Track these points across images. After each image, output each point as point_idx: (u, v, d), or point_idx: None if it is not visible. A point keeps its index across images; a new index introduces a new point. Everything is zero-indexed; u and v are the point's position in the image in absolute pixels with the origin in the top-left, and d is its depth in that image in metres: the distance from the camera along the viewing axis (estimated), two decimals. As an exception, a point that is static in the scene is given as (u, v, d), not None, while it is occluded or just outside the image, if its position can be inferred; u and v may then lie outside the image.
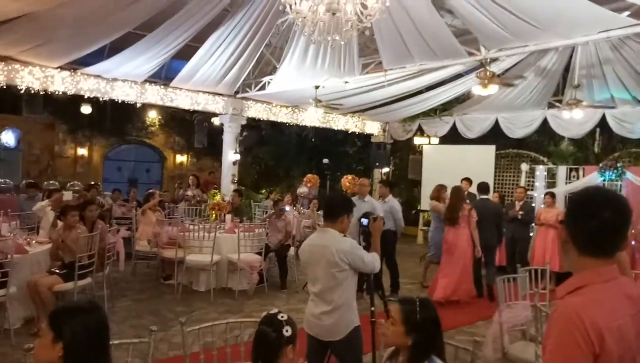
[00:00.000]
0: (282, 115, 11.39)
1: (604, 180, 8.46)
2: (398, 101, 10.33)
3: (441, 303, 5.96)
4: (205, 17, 6.58)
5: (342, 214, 2.86)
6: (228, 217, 7.33)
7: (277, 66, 8.41)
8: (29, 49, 7.21)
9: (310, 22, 4.32)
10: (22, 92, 8.18)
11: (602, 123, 8.80)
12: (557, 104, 9.21)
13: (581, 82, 7.66)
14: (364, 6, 4.14)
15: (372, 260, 2.81)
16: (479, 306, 6.36)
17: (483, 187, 7.12)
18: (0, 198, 8.04)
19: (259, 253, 6.52)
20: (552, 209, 7.31)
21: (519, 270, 3.85)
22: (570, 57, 7.58)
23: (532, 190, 9.55)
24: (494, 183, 10.47)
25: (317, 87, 8.56)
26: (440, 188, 7.67)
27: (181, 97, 9.75)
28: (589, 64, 7.49)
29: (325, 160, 12.36)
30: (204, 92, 9.92)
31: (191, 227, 6.67)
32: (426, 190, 10.10)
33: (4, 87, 7.74)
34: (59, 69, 8.16)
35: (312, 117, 11.58)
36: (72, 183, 11.42)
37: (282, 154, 14.04)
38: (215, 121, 13.12)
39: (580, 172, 8.95)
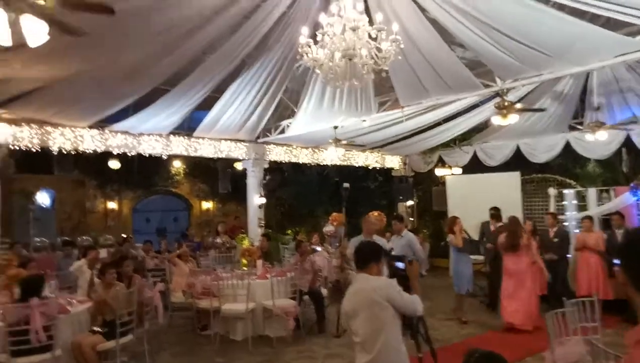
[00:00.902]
0: (303, 156, 11.59)
1: (638, 200, 8.28)
2: (416, 134, 10.42)
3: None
4: (226, 69, 6.86)
5: (371, 261, 2.88)
6: (259, 262, 7.37)
7: (295, 110, 8.65)
8: (59, 112, 7.58)
9: (327, 69, 4.49)
10: (55, 153, 8.55)
11: (628, 142, 8.68)
12: (578, 126, 9.16)
13: (600, 103, 7.63)
14: (379, 49, 4.28)
15: (413, 300, 2.80)
16: (526, 338, 6.16)
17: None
18: (38, 257, 8.25)
19: (293, 298, 6.51)
20: (592, 233, 7.14)
21: (566, 303, 3.74)
22: (586, 80, 7.60)
23: (562, 214, 9.37)
24: (523, 210, 10.33)
25: (335, 127, 8.72)
26: (453, 220, 7.72)
27: (205, 146, 10.05)
28: (606, 86, 7.49)
29: (346, 185, 12.36)
30: (226, 140, 10.21)
31: (224, 275, 6.72)
32: (453, 220, 10.01)
33: (39, 149, 8.13)
34: (88, 128, 8.53)
35: (332, 156, 11.77)
36: (104, 237, 11.73)
37: (305, 194, 14.16)
38: (238, 166, 13.40)
39: (612, 193, 8.78)
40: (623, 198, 8.50)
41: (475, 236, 9.02)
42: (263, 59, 6.67)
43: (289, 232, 13.88)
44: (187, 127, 9.77)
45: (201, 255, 9.51)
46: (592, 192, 9.14)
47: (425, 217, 13.27)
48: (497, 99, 6.95)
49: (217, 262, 9.01)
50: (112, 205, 13.76)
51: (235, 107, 8.30)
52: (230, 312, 6.36)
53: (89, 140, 8.57)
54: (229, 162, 12.97)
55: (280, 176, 13.80)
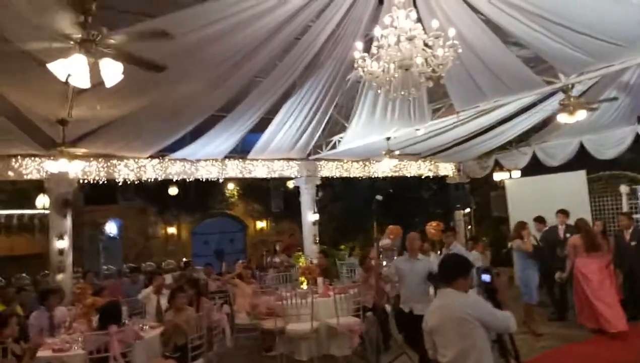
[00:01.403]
0: (354, 170, 11.54)
1: None
2: (470, 139, 10.11)
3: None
4: (278, 91, 6.95)
5: (458, 276, 2.73)
6: (319, 280, 7.30)
7: (346, 124, 8.61)
8: (125, 145, 7.95)
9: (384, 81, 4.41)
10: (119, 183, 8.95)
11: None
12: (649, 117, 8.56)
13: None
14: (435, 56, 4.17)
15: (505, 317, 2.62)
16: (610, 349, 5.71)
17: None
18: (107, 284, 8.59)
19: (357, 315, 6.37)
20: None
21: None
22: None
23: (636, 213, 8.73)
24: (591, 211, 9.72)
25: (388, 139, 8.60)
26: (521, 225, 7.44)
27: (258, 168, 10.21)
28: (680, 71, 6.96)
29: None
30: (279, 159, 10.33)
31: (287, 294, 6.70)
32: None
33: (105, 181, 8.55)
34: (149, 158, 8.89)
35: (384, 168, 11.61)
36: (166, 262, 12.10)
37: (355, 208, 14.04)
38: (290, 184, 13.54)
39: (694, 187, 8.10)
40: None
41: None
42: (314, 78, 6.70)
43: (342, 247, 13.78)
44: (240, 150, 9.97)
45: (261, 275, 9.57)
46: (670, 188, 8.48)
47: (484, 224, 12.78)
48: (560, 96, 6.62)
49: (277, 282, 9.03)
50: (171, 230, 14.24)
51: (288, 127, 8.39)
52: (295, 332, 6.30)
53: (151, 170, 8.92)
54: (281, 181, 13.14)
55: (331, 191, 13.79)
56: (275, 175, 10.53)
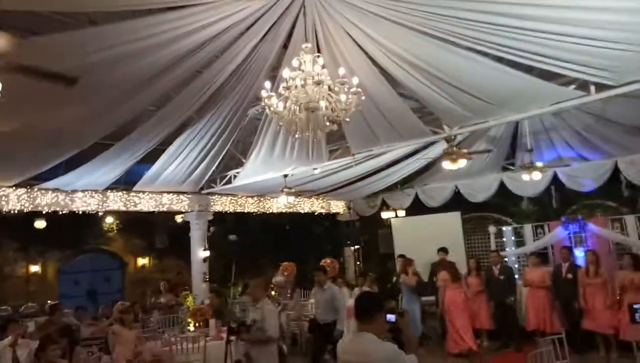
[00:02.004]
0: (249, 206, 11.38)
1: (569, 234, 8.90)
2: (361, 180, 10.62)
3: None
4: (174, 124, 6.65)
5: (376, 312, 2.76)
6: (212, 322, 6.92)
7: (243, 160, 8.52)
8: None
9: (289, 121, 4.48)
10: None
11: (555, 180, 9.40)
12: (510, 166, 9.82)
13: (532, 145, 8.25)
14: (339, 101, 4.36)
15: (413, 361, 2.70)
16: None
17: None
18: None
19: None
20: (538, 269, 7.50)
21: (539, 343, 3.82)
22: (517, 124, 8.22)
23: (502, 250, 9.84)
24: (465, 248, 10.72)
25: (285, 176, 8.67)
26: (409, 261, 8.33)
27: (145, 200, 9.56)
28: (535, 130, 8.15)
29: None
30: (168, 192, 9.79)
31: (175, 339, 6.22)
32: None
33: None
34: (14, 187, 7.82)
35: (280, 204, 11.66)
36: (26, 305, 10.55)
37: (248, 244, 13.77)
38: (178, 219, 12.83)
39: (546, 228, 9.38)
40: (556, 233, 9.10)
41: (424, 277, 9.17)
42: (213, 111, 6.54)
43: (232, 285, 13.33)
44: (124, 181, 9.26)
45: (144, 318, 8.78)
46: (528, 228, 9.72)
47: (372, 260, 13.35)
48: (441, 144, 7.31)
49: (162, 325, 8.36)
50: (35, 268, 12.46)
51: (181, 159, 8.02)
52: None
53: (15, 200, 7.84)
54: (168, 215, 12.40)
55: (224, 227, 13.37)
56: (164, 209, 9.94)
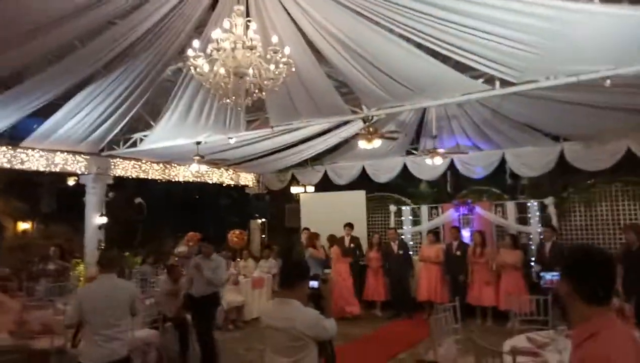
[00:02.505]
0: (154, 172, 10.81)
1: (459, 216, 9.80)
2: (275, 153, 10.62)
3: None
4: (78, 76, 6.06)
5: (300, 280, 2.86)
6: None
7: (152, 123, 8.06)
8: None
9: (215, 84, 4.34)
10: None
11: (452, 166, 10.24)
12: (413, 151, 10.48)
13: (436, 132, 8.88)
14: (269, 70, 4.32)
15: (332, 327, 2.84)
16: (381, 345, 6.70)
17: None
18: None
19: (155, 327, 5.94)
20: (433, 246, 8.19)
21: (438, 309, 4.22)
22: (424, 111, 8.77)
23: (400, 228, 10.57)
24: (367, 225, 11.31)
25: (198, 143, 8.37)
26: (315, 236, 8.64)
27: (34, 158, 8.65)
28: (439, 118, 8.76)
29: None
30: (63, 151, 8.94)
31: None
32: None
33: None
34: None
35: (185, 173, 11.24)
36: None
37: (149, 212, 13.14)
38: (70, 181, 11.80)
39: (439, 210, 10.23)
40: (448, 214, 9.98)
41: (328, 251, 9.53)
42: (124, 68, 6.06)
43: (128, 254, 12.65)
44: (9, 135, 8.27)
45: (28, 286, 8.01)
46: (424, 209, 10.52)
47: (277, 234, 13.51)
48: (359, 124, 7.58)
49: (51, 293, 7.71)
50: None
51: (82, 117, 7.34)
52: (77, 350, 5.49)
53: None
54: (58, 176, 11.32)
55: (124, 193, 12.56)
56: (57, 169, 9.07)
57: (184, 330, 6.32)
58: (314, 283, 3.04)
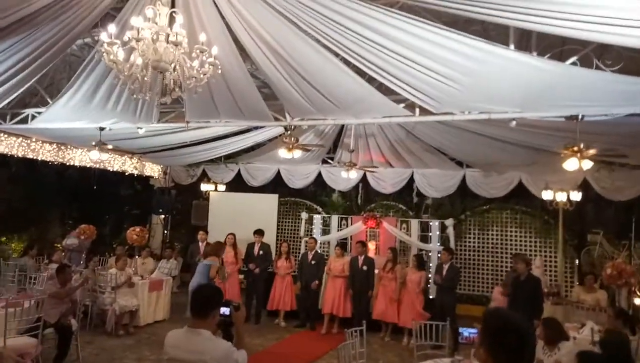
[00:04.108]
0: (45, 153, 9.75)
1: (367, 228, 10.07)
2: (186, 147, 10.09)
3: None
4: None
5: (214, 309, 2.66)
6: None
7: (49, 100, 7.21)
8: None
9: (129, 76, 3.96)
10: None
11: (364, 179, 10.51)
12: (329, 161, 10.59)
13: (354, 147, 9.03)
14: (192, 68, 4.05)
15: (244, 358, 2.67)
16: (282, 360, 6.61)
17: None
18: None
19: (34, 335, 5.28)
20: (340, 259, 8.26)
21: (346, 332, 4.21)
22: (343, 125, 8.87)
23: (311, 236, 10.59)
24: (277, 230, 11.20)
25: (102, 129, 7.66)
26: (220, 246, 7.65)
27: None
28: (357, 133, 8.93)
29: None
30: None
31: None
32: (212, 235, 10.02)
33: None
34: None
35: (82, 157, 10.29)
36: None
37: (36, 194, 11.77)
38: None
39: (349, 221, 10.43)
40: (356, 226, 10.21)
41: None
42: (23, 36, 5.31)
43: (4, 239, 11.26)
44: None
45: None
46: (334, 219, 10.66)
47: (180, 231, 12.88)
48: (279, 129, 7.44)
49: None
50: None
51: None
52: None
53: None
54: None
55: (6, 172, 11.14)
56: None
57: (66, 335, 5.70)
58: (225, 310, 2.83)
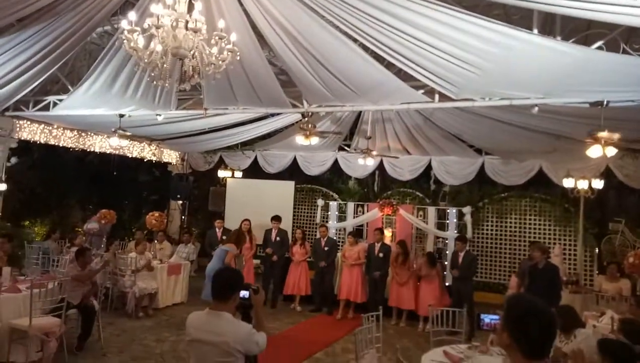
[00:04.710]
0: (66, 139, 9.90)
1: (383, 215, 10.05)
2: (204, 134, 10.16)
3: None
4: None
5: (235, 292, 2.70)
6: (6, 270, 5.89)
7: (70, 87, 7.32)
8: None
9: (150, 63, 3.99)
10: None
11: (380, 166, 10.46)
12: (346, 147, 10.56)
13: (371, 133, 8.98)
14: (212, 55, 4.06)
15: (264, 341, 2.72)
16: (298, 343, 6.69)
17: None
18: None
19: (58, 315, 5.43)
20: (355, 247, 8.28)
21: (362, 317, 4.24)
22: (360, 112, 8.81)
23: (326, 223, 10.63)
24: (293, 217, 11.25)
25: (121, 116, 7.75)
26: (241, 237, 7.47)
27: None
28: (374, 120, 8.87)
29: None
30: (-45, 107, 7.87)
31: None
32: (229, 221, 10.16)
33: None
34: None
35: (102, 143, 10.44)
36: None
37: (57, 180, 12.01)
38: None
39: (365, 208, 10.41)
40: (373, 213, 10.19)
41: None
42: (45, 25, 5.38)
43: (27, 223, 11.55)
44: None
45: None
46: (350, 206, 10.65)
47: (199, 217, 13.05)
48: (296, 116, 7.44)
49: None
50: None
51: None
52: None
53: None
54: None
55: (29, 159, 11.38)
56: (-51, 126, 7.98)
57: (89, 316, 5.86)
58: (245, 293, 2.86)
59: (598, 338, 3.35)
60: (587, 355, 3.20)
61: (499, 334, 1.69)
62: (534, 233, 10.04)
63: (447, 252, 9.01)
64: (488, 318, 4.07)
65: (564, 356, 3.68)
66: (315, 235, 10.54)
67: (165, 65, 3.96)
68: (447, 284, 8.07)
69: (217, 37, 3.88)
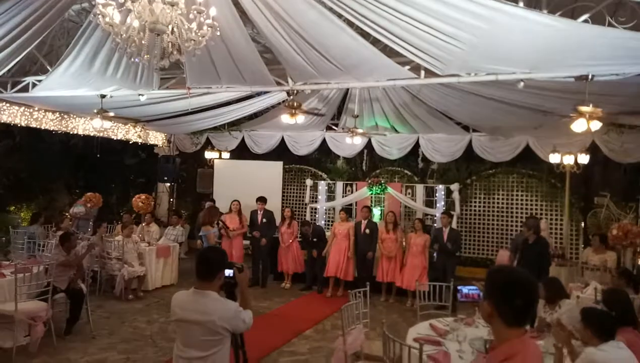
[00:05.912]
0: (48, 122, 9.69)
1: (372, 194, 10.07)
2: (189, 114, 10.00)
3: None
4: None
5: (219, 271, 2.68)
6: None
7: (49, 68, 7.12)
8: None
9: (127, 39, 3.88)
10: None
11: (368, 145, 10.42)
12: (334, 127, 10.48)
13: (358, 112, 8.90)
14: (191, 30, 3.96)
15: (249, 318, 2.71)
16: (287, 321, 6.73)
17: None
18: None
19: (45, 300, 5.39)
20: (344, 224, 8.30)
21: (351, 295, 4.26)
22: (347, 90, 8.72)
23: (315, 202, 10.65)
24: (282, 197, 11.22)
25: (103, 96, 7.59)
26: (216, 212, 8.04)
27: None
28: (362, 98, 8.78)
29: None
30: None
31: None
32: (219, 202, 10.14)
33: None
34: None
35: (86, 126, 10.25)
36: None
37: (42, 164, 11.82)
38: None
39: (354, 187, 10.42)
40: (361, 192, 10.21)
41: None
42: (17, 2, 5.19)
43: (12, 208, 11.41)
44: None
45: None
46: (339, 185, 10.66)
47: (187, 199, 12.97)
48: (281, 95, 7.34)
49: None
50: None
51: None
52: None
53: None
54: None
55: (10, 142, 11.15)
56: None
57: (77, 300, 5.82)
58: (229, 272, 2.85)
59: (581, 308, 3.40)
60: (570, 324, 3.25)
61: (481, 304, 1.69)
62: (522, 209, 10.14)
63: (435, 225, 9.08)
64: (466, 289, 4.11)
65: (548, 326, 3.74)
66: (305, 216, 10.58)
67: (143, 42, 3.87)
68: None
69: (195, 12, 3.77)
